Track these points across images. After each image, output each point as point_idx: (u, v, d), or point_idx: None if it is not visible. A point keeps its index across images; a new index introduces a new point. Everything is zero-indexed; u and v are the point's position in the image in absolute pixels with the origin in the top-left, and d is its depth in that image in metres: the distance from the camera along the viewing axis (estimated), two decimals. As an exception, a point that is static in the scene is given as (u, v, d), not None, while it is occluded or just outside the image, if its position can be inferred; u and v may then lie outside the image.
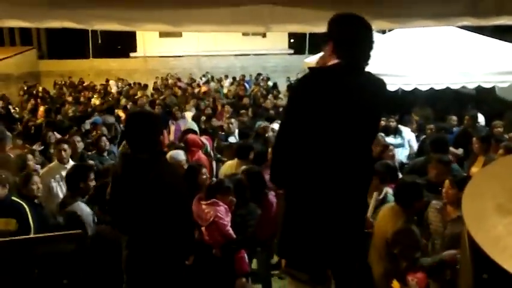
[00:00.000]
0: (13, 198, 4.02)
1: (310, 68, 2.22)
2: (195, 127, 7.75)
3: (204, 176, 4.63)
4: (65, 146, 5.38)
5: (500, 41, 8.63)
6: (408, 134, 7.33)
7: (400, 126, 7.49)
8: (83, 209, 3.99)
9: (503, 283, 2.20)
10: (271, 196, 4.70)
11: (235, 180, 4.49)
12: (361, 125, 2.16)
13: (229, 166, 5.53)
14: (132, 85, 18.35)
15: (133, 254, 2.86)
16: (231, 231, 4.10)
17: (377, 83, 2.26)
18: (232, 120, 8.13)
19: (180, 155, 5.16)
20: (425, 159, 5.30)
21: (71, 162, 5.33)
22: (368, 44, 2.18)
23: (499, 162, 1.17)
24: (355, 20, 2.19)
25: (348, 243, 2.26)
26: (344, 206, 2.21)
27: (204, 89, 16.59)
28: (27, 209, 3.95)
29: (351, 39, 2.16)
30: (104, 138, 6.63)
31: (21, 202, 3.99)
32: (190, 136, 6.52)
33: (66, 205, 4.05)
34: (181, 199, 2.88)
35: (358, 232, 2.33)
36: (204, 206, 4.06)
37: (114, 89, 18.09)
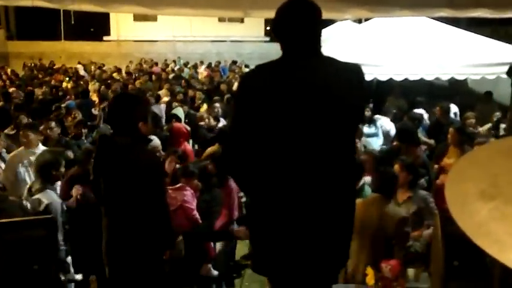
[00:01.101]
0: None
1: (255, 66, 2.07)
2: (180, 113, 7.68)
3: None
4: (33, 131, 5.22)
5: (475, 34, 8.78)
6: (387, 123, 7.42)
7: (378, 116, 7.57)
8: (53, 197, 3.91)
9: (474, 270, 2.26)
10: (232, 182, 4.69)
11: (201, 166, 4.51)
12: (324, 114, 1.88)
13: (210, 151, 5.52)
14: (103, 68, 17.99)
15: (112, 237, 2.87)
16: (197, 216, 4.11)
17: (341, 68, 2.00)
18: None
19: (155, 141, 5.11)
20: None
21: (41, 147, 5.20)
22: (314, 26, 1.97)
23: (482, 148, 1.18)
24: (296, 4, 1.98)
25: (321, 256, 1.96)
26: (314, 206, 1.92)
27: (204, 74, 16.43)
28: None
29: (292, 24, 1.96)
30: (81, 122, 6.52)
31: None
32: (176, 125, 6.44)
33: (34, 192, 3.96)
34: (157, 184, 2.86)
35: (337, 235, 2.00)
36: (170, 191, 4.04)
37: (82, 73, 17.71)
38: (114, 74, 15.06)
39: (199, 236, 4.15)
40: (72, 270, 3.95)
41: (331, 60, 2.02)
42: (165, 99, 10.01)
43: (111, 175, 2.81)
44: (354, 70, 2.04)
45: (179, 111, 8.18)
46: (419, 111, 7.93)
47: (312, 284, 2.01)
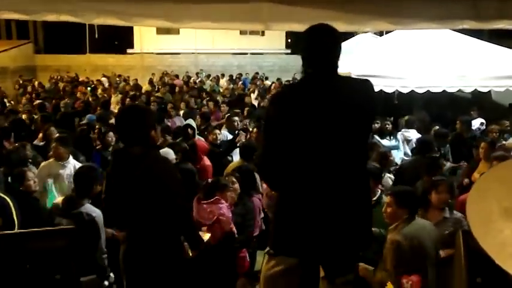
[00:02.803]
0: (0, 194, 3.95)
1: (282, 88, 2.39)
2: (193, 123, 7.72)
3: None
4: (63, 144, 5.30)
5: (498, 46, 8.64)
6: (415, 135, 7.35)
7: (408, 130, 7.49)
8: (95, 210, 3.84)
9: (497, 287, 2.20)
10: (256, 198, 4.67)
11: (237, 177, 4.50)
12: (343, 127, 2.26)
13: (233, 166, 5.50)
14: (127, 81, 18.29)
15: (130, 248, 2.86)
16: (234, 229, 4.10)
17: (355, 85, 2.41)
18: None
19: (169, 154, 5.10)
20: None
21: (71, 161, 5.28)
22: (335, 51, 2.32)
23: (504, 165, 1.15)
24: (320, 31, 2.34)
25: (341, 239, 2.32)
26: (334, 203, 2.29)
27: (225, 86, 16.58)
28: (11, 205, 3.89)
29: (318, 50, 2.31)
30: (111, 133, 6.60)
31: (6, 198, 3.93)
32: (200, 143, 6.46)
33: (73, 207, 3.87)
34: (172, 193, 2.83)
35: (354, 229, 2.36)
36: (205, 206, 4.03)
37: (106, 85, 18.02)
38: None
39: (235, 249, 4.15)
40: (112, 274, 3.94)
41: (345, 79, 2.41)
42: (181, 111, 10.10)
43: (127, 185, 2.79)
44: (365, 86, 2.40)
45: (192, 122, 8.25)
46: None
47: (332, 261, 2.41)
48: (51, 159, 5.29)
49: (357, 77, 7.13)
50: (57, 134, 6.14)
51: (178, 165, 4.85)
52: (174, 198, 2.83)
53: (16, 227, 3.82)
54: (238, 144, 6.49)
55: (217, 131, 7.24)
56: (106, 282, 3.81)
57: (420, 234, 3.37)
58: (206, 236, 3.73)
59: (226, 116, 8.58)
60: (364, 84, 2.41)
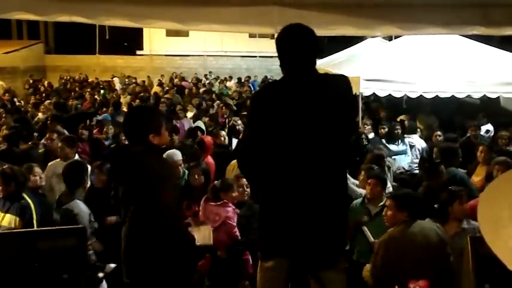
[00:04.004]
0: (24, 195, 4.00)
1: (264, 84, 2.43)
2: (202, 125, 7.73)
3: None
4: (69, 143, 5.37)
5: (507, 52, 8.59)
6: (418, 140, 7.32)
7: (411, 135, 7.47)
8: (81, 207, 3.94)
9: (505, 294, 2.19)
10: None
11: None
12: (318, 123, 2.32)
13: (233, 165, 5.51)
14: (138, 82, 18.39)
15: (129, 246, 2.88)
16: (237, 233, 4.10)
17: (330, 82, 2.47)
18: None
19: (176, 155, 5.11)
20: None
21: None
22: (306, 50, 2.37)
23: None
24: (290, 31, 2.41)
25: (320, 234, 2.38)
26: (311, 198, 2.35)
27: (233, 88, 16.58)
28: (33, 208, 3.94)
29: (287, 50, 2.41)
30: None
31: (30, 201, 3.98)
32: (207, 139, 6.49)
33: (63, 203, 4.01)
34: (168, 193, 2.84)
35: (334, 224, 2.42)
36: (213, 207, 4.05)
37: (118, 86, 18.12)
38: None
39: (237, 252, 4.16)
40: (111, 264, 3.97)
41: (321, 77, 2.46)
42: (190, 114, 10.13)
43: (125, 182, 2.87)
44: (342, 82, 2.47)
45: (201, 124, 8.25)
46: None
47: (313, 262, 2.44)
48: (57, 159, 5.35)
49: (364, 81, 7.15)
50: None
51: (198, 167, 4.93)
52: (163, 199, 2.81)
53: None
54: None
55: (223, 133, 7.24)
56: (100, 274, 3.84)
57: (416, 237, 3.36)
58: (205, 230, 3.77)
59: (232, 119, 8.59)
60: (340, 80, 2.49)
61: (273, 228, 2.42)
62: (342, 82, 2.47)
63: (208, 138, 6.52)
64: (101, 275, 3.78)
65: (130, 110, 3.37)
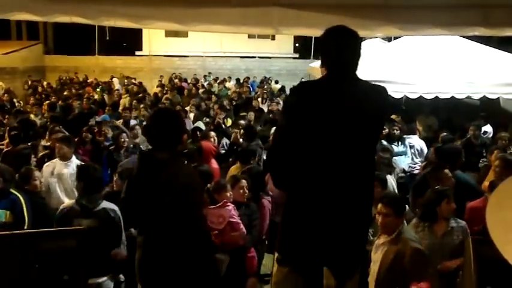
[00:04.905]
0: (11, 190, 4.07)
1: (300, 82, 2.39)
2: (202, 126, 7.72)
3: None
4: (67, 143, 5.36)
5: (507, 53, 8.60)
6: (417, 141, 7.31)
7: (410, 136, 7.46)
8: (113, 205, 3.90)
9: (507, 295, 2.18)
10: (265, 200, 4.69)
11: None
12: (354, 130, 2.28)
13: (233, 170, 5.51)
14: (137, 83, 18.38)
15: (147, 254, 2.79)
16: (244, 229, 4.12)
17: (370, 90, 2.38)
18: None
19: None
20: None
21: (74, 160, 5.32)
22: (352, 53, 2.32)
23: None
24: (338, 32, 2.34)
25: (346, 243, 2.34)
26: (341, 206, 2.31)
27: (232, 89, 16.58)
28: (23, 202, 4.00)
29: (334, 51, 2.32)
30: (124, 134, 6.62)
31: (18, 195, 4.05)
32: (204, 143, 6.47)
33: (93, 206, 3.88)
34: (193, 203, 2.77)
35: (358, 233, 2.40)
36: (215, 211, 4.04)
37: (117, 87, 18.11)
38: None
39: (243, 251, 4.16)
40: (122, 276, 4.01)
41: (362, 83, 2.37)
42: (191, 115, 10.13)
43: (150, 191, 2.72)
44: (381, 92, 2.42)
45: (201, 125, 8.24)
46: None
47: (333, 271, 2.39)
48: (55, 159, 5.35)
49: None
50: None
51: (196, 168, 4.85)
52: (194, 209, 2.78)
53: (26, 224, 3.87)
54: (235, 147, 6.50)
55: (213, 133, 7.17)
56: (122, 277, 3.88)
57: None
58: None
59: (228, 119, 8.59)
60: (381, 91, 2.43)
61: (297, 237, 2.36)
62: (382, 93, 2.43)
63: (208, 144, 6.51)
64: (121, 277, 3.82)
65: (159, 113, 3.22)
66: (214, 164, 6.02)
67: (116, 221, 3.82)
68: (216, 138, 7.02)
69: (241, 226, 4.09)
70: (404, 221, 3.64)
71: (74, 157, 5.39)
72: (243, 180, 4.43)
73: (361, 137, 2.31)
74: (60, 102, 11.94)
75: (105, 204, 3.90)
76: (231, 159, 6.65)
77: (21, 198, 4.02)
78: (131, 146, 6.65)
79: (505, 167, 4.90)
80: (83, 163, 5.00)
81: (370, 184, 2.48)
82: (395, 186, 5.07)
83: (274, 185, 2.46)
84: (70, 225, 3.61)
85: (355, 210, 2.35)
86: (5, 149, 6.24)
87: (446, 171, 4.82)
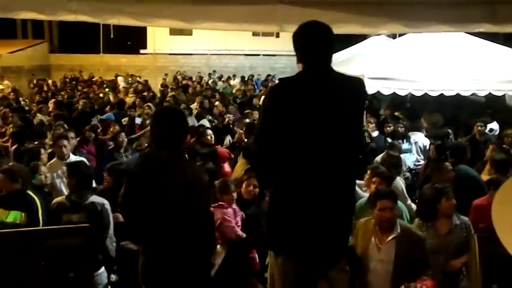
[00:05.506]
0: (28, 192, 4.06)
1: (279, 79, 2.49)
2: (206, 123, 7.71)
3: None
4: (65, 142, 5.38)
5: (513, 50, 8.54)
6: (422, 138, 7.29)
7: (414, 132, 7.44)
8: (102, 199, 3.94)
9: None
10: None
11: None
12: (336, 120, 2.33)
13: (239, 168, 5.51)
14: (141, 81, 18.43)
15: (150, 260, 2.68)
16: (239, 232, 4.10)
17: (347, 81, 2.48)
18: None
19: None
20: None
21: (72, 158, 5.35)
22: (327, 47, 2.39)
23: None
24: (311, 28, 2.40)
25: (330, 231, 2.40)
26: (323, 199, 2.36)
27: (237, 87, 16.57)
28: (39, 204, 3.99)
29: (309, 47, 2.37)
30: (122, 134, 6.64)
31: (35, 197, 4.04)
32: (220, 149, 6.45)
33: (82, 200, 3.91)
34: (204, 199, 2.74)
35: (342, 221, 2.46)
36: (211, 209, 4.04)
37: (122, 85, 18.14)
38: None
39: (243, 249, 4.17)
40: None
41: (338, 76, 2.46)
42: (195, 111, 10.15)
43: (157, 191, 2.63)
44: (359, 81, 2.54)
45: (205, 122, 8.23)
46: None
47: (318, 261, 2.43)
48: (54, 159, 5.38)
49: (368, 79, 7.12)
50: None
51: (203, 166, 4.82)
52: (202, 207, 2.74)
53: (41, 226, 3.86)
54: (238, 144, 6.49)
55: (210, 131, 7.04)
56: (113, 277, 3.86)
57: None
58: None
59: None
60: (356, 80, 2.55)
61: (282, 227, 2.42)
62: (359, 82, 2.54)
63: (222, 150, 6.48)
64: (113, 277, 3.84)
65: (165, 111, 3.13)
66: (227, 167, 6.03)
67: (103, 214, 3.82)
68: (212, 136, 6.95)
69: (236, 229, 4.09)
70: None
71: (71, 155, 5.41)
72: (253, 179, 4.38)
73: (343, 126, 2.37)
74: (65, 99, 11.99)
75: (95, 198, 3.93)
76: (233, 156, 6.63)
77: (37, 200, 4.01)
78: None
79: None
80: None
81: (353, 177, 2.57)
82: (404, 188, 5.03)
83: (259, 186, 2.51)
84: (60, 220, 3.68)
85: (336, 203, 2.40)
86: (13, 147, 6.31)
87: (447, 164, 4.82)
